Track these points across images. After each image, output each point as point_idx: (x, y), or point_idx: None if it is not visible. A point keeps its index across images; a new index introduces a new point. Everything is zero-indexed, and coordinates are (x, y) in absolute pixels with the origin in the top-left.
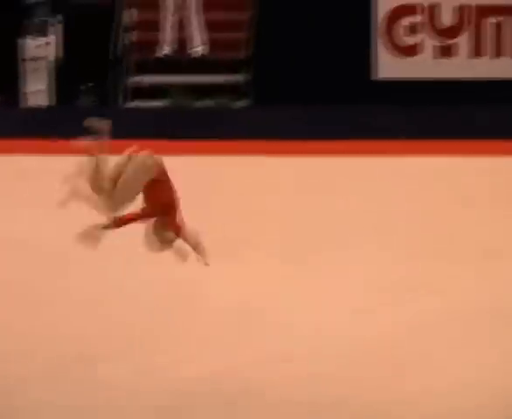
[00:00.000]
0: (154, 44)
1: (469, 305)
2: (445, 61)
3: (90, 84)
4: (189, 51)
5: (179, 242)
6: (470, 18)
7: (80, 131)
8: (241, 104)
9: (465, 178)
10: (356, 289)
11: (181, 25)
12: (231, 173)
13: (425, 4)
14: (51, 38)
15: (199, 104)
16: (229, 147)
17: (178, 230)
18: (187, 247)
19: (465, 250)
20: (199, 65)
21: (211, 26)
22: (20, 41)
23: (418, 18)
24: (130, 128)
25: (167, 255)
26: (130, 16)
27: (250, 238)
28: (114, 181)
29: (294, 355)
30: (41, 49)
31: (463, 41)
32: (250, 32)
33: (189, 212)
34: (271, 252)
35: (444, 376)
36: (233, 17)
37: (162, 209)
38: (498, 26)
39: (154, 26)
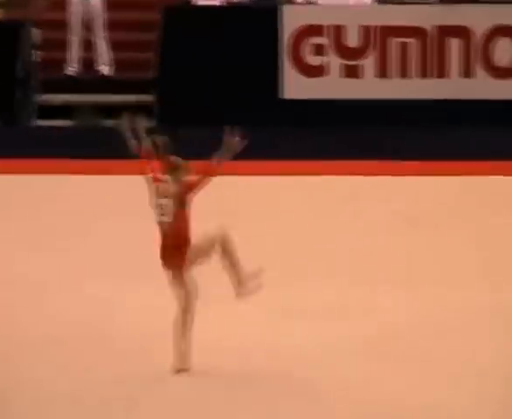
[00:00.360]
0: (61, 63)
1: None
2: (351, 81)
3: None
4: (95, 71)
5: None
6: (376, 39)
7: None
8: (148, 124)
9: (373, 198)
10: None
11: (88, 45)
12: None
13: (332, 25)
14: None
15: (105, 123)
16: (134, 167)
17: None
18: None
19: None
20: (106, 85)
21: (117, 46)
22: None
23: (324, 39)
24: (37, 147)
25: None
26: (37, 34)
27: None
28: None
29: None
30: None
31: (369, 62)
32: (156, 53)
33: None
34: None
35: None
36: (140, 38)
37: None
38: (403, 47)
39: (61, 45)
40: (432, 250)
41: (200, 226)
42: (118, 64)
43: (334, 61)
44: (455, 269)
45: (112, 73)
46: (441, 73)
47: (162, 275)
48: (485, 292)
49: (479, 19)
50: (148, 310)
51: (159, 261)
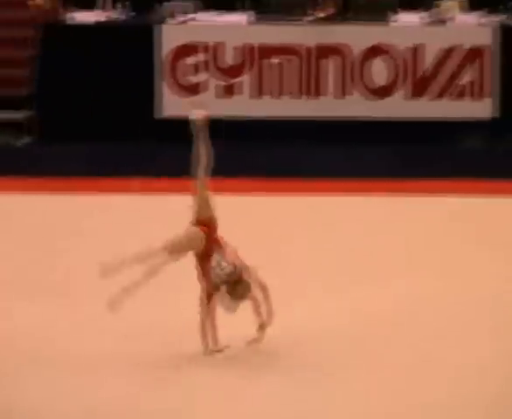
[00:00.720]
0: None
1: None
2: (228, 100)
3: None
4: None
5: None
6: (253, 58)
7: None
8: (24, 141)
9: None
10: None
11: None
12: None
13: (209, 43)
14: None
15: None
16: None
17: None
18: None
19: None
20: None
21: None
22: None
23: (201, 57)
24: None
25: None
26: None
27: None
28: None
29: None
30: None
31: (246, 80)
32: (32, 69)
33: None
34: None
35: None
36: (15, 55)
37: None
38: (280, 66)
39: None
40: None
41: None
42: None
43: (211, 80)
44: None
45: None
46: (317, 92)
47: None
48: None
49: (355, 39)
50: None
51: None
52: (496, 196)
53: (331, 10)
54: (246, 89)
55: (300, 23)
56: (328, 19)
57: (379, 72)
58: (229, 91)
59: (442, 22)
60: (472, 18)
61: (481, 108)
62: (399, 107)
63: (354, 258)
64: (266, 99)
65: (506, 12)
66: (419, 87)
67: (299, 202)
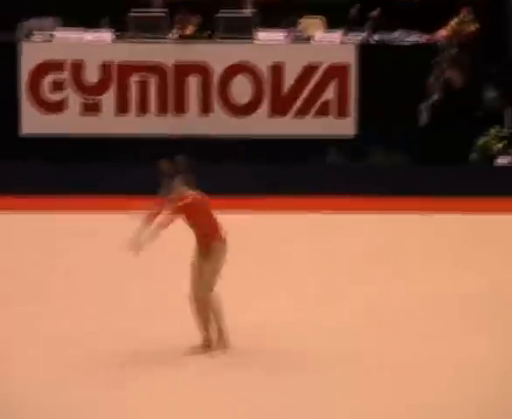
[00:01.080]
0: None
1: None
2: (90, 118)
3: None
4: None
5: None
6: (114, 76)
7: None
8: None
9: None
10: None
11: None
12: None
13: (70, 61)
14: None
15: None
16: None
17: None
18: None
19: None
20: None
21: None
22: None
23: (63, 75)
24: None
25: None
26: None
27: None
28: None
29: None
30: None
31: (108, 98)
32: None
33: None
34: None
35: None
36: None
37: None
38: (142, 83)
39: None
40: None
41: None
42: None
43: (73, 97)
44: None
45: None
46: (180, 110)
47: None
48: None
49: (217, 57)
50: None
51: None
52: (362, 213)
53: (193, 28)
54: (110, 107)
55: (161, 41)
56: (190, 37)
57: (242, 89)
58: (92, 108)
59: (305, 40)
60: (333, 36)
61: (344, 125)
62: (262, 125)
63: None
64: (131, 116)
65: (365, 30)
66: (282, 105)
67: None
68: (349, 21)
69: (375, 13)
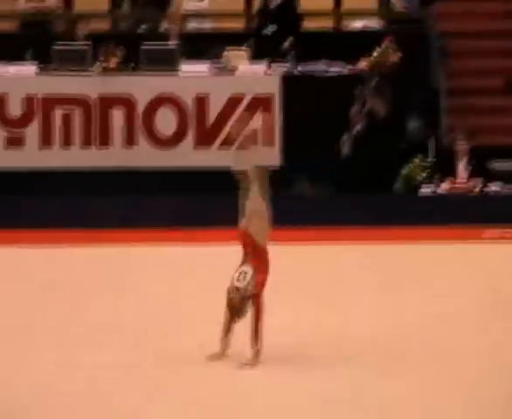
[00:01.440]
0: None
1: None
2: (13, 151)
3: None
4: None
5: None
6: (38, 109)
7: None
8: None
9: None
10: None
11: None
12: None
13: None
14: None
15: None
16: None
17: None
18: None
19: None
20: None
21: None
22: None
23: None
24: None
25: None
26: None
27: None
28: None
29: None
30: None
31: (31, 131)
32: None
33: None
34: None
35: None
36: None
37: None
38: (66, 116)
39: None
40: None
41: None
42: None
43: None
44: None
45: None
46: (104, 142)
47: None
48: None
49: (140, 89)
50: None
51: None
52: (296, 244)
53: (116, 61)
54: (33, 140)
55: (85, 73)
56: (114, 69)
57: (166, 121)
58: (16, 142)
59: (230, 71)
60: (257, 68)
61: (270, 156)
62: (187, 157)
63: None
64: (53, 149)
65: (288, 62)
66: (207, 136)
67: (86, 252)
68: (281, 52)
69: (286, 44)
